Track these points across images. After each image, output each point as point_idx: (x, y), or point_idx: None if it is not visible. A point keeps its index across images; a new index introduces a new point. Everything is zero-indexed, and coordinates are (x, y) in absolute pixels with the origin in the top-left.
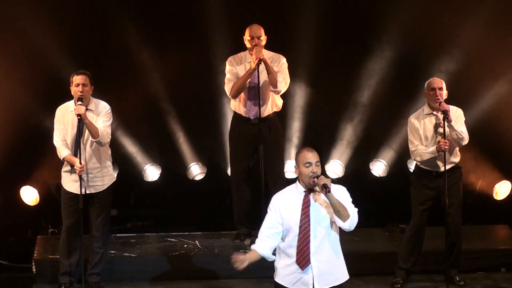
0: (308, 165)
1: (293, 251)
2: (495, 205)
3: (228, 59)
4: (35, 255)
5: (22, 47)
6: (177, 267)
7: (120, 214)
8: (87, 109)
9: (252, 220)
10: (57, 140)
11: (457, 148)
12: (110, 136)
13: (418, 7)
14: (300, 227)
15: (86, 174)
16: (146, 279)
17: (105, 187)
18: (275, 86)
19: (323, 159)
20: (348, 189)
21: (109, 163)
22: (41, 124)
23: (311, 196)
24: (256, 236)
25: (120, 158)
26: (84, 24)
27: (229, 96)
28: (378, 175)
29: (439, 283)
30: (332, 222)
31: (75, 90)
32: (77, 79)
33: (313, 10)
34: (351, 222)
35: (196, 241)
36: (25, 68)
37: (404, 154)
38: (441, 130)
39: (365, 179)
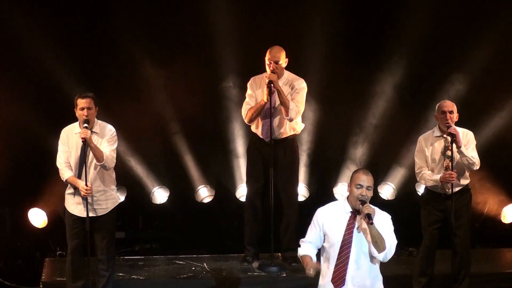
0: (359, 186)
1: (330, 269)
2: (503, 229)
3: (250, 81)
4: (43, 277)
5: (31, 69)
6: None
7: (128, 236)
8: (92, 132)
9: (260, 242)
10: (60, 162)
11: (467, 171)
12: (115, 160)
13: (428, 27)
14: (341, 247)
15: (90, 197)
16: None
17: (108, 210)
18: (286, 114)
19: (332, 181)
20: None
21: (113, 187)
22: (49, 146)
23: (357, 219)
24: (263, 259)
25: (128, 181)
26: (91, 44)
27: (244, 121)
28: (386, 198)
29: None
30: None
31: (80, 114)
32: (81, 102)
33: (324, 30)
34: (386, 255)
35: (204, 264)
36: (33, 90)
37: (412, 177)
38: (449, 153)
39: (373, 202)
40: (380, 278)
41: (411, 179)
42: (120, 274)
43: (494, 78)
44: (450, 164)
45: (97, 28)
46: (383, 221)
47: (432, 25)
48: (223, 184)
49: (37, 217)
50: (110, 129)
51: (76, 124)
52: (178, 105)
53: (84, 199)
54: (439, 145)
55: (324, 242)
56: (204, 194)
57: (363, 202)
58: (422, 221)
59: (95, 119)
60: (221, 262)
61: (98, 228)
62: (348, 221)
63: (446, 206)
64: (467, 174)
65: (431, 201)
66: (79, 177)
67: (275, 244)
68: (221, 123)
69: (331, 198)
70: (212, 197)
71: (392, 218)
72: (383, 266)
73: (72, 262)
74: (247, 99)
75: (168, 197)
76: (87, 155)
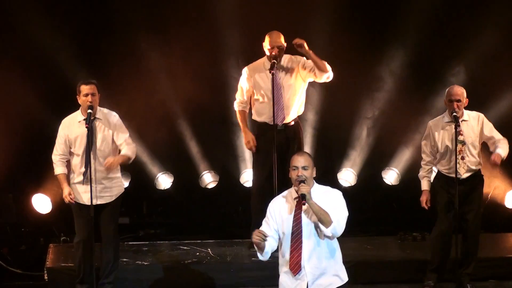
0: (294, 168)
1: (286, 257)
2: (507, 214)
3: (245, 69)
4: (47, 263)
5: (35, 56)
6: (189, 275)
7: (132, 222)
8: (94, 118)
9: None
10: (56, 155)
11: (479, 155)
12: (135, 146)
13: (435, 11)
14: (292, 233)
15: (95, 184)
16: (158, 287)
17: (114, 198)
18: (325, 69)
19: (335, 168)
20: (360, 198)
21: (118, 174)
22: (53, 131)
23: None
24: None
25: (132, 167)
26: (94, 31)
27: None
28: (390, 184)
29: None
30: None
31: (83, 100)
32: (85, 88)
33: (328, 14)
34: (334, 228)
35: (209, 249)
36: (37, 77)
37: (417, 162)
38: (461, 138)
39: (377, 187)
40: (338, 256)
41: (415, 164)
42: (125, 259)
43: (500, 63)
44: (462, 149)
45: (100, 15)
46: (332, 196)
47: (439, 7)
48: (227, 170)
49: (41, 203)
50: (115, 116)
51: (77, 113)
52: (182, 91)
53: (85, 185)
54: (451, 129)
55: (278, 233)
56: (208, 179)
57: (301, 182)
58: (436, 205)
59: (97, 106)
60: (226, 247)
61: (105, 216)
62: (296, 206)
63: (459, 191)
64: (478, 159)
65: (444, 184)
66: (86, 166)
67: None
68: (225, 109)
69: (335, 183)
70: (216, 183)
71: (396, 203)
72: (388, 252)
73: (83, 251)
74: (239, 92)
75: (172, 182)
76: (93, 143)
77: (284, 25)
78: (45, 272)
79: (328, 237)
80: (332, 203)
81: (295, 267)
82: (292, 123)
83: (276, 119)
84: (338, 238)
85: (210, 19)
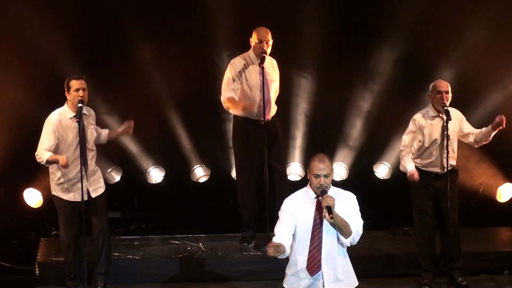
0: (316, 176)
1: (303, 257)
2: (498, 208)
3: (232, 63)
4: (39, 257)
5: (26, 50)
6: (180, 270)
7: (123, 216)
8: (84, 114)
9: (255, 224)
10: (42, 149)
11: (456, 151)
12: None
13: (423, 7)
14: (312, 233)
15: (87, 179)
16: (149, 281)
17: (104, 188)
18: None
19: None
20: (351, 191)
21: (97, 166)
22: (41, 123)
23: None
24: (258, 238)
25: (123, 161)
26: (85, 24)
27: (223, 101)
28: (382, 178)
29: (440, 285)
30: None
31: (74, 95)
32: (76, 83)
33: (318, 8)
34: (353, 239)
35: (200, 243)
36: (28, 71)
37: None
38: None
39: (369, 181)
40: (349, 259)
41: None
42: (116, 253)
43: (489, 57)
44: (448, 143)
45: (89, 8)
46: (347, 202)
47: (427, 4)
48: (218, 164)
49: (32, 197)
50: (90, 109)
51: (64, 109)
52: (173, 85)
53: (80, 181)
54: (438, 124)
55: (296, 230)
56: (200, 173)
57: (322, 192)
58: (417, 202)
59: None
60: (217, 242)
61: (96, 210)
62: (316, 206)
63: (436, 186)
64: (455, 154)
65: (422, 181)
66: (83, 160)
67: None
68: (217, 103)
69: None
70: (207, 177)
71: (387, 197)
72: (379, 246)
73: (74, 250)
74: (225, 83)
75: (164, 176)
76: (85, 138)
77: (274, 17)
78: (36, 266)
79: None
80: (349, 210)
81: (314, 268)
82: (271, 118)
83: (263, 114)
84: None
85: (200, 12)
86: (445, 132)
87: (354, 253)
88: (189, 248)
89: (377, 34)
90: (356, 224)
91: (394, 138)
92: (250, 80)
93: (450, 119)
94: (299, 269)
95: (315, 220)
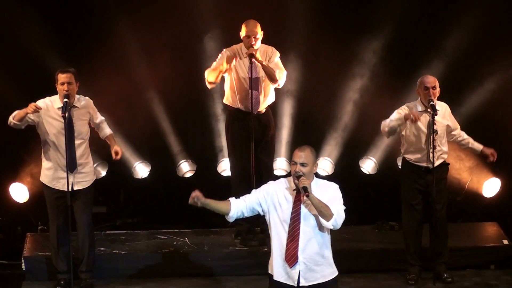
0: (293, 163)
1: (281, 248)
2: (484, 203)
3: (225, 50)
4: (25, 252)
5: (9, 43)
6: (166, 264)
7: (109, 211)
8: (72, 106)
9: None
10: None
11: (447, 144)
12: None
13: (411, 4)
14: (290, 224)
15: (71, 171)
16: (135, 276)
17: (90, 183)
18: (274, 81)
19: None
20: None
21: (90, 159)
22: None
23: (302, 195)
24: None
25: (109, 156)
26: (69, 16)
27: (207, 82)
28: (368, 173)
29: (427, 280)
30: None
31: (60, 88)
32: (62, 77)
33: (303, 2)
34: (335, 221)
35: (186, 238)
36: (11, 64)
37: (394, 151)
38: (434, 127)
39: (354, 176)
40: (330, 250)
41: (393, 154)
42: (102, 248)
43: (476, 55)
44: (435, 138)
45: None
46: (329, 190)
47: None
48: (204, 159)
49: (19, 192)
50: (89, 100)
51: (56, 97)
52: (159, 79)
53: (66, 172)
54: (425, 119)
55: (272, 220)
56: (186, 168)
57: (298, 177)
58: (406, 197)
59: (75, 94)
60: (203, 236)
61: (80, 203)
62: (295, 197)
63: (426, 180)
64: (446, 148)
65: (412, 175)
66: (70, 153)
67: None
68: (203, 97)
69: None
70: (193, 172)
71: (373, 192)
72: (365, 241)
73: (59, 240)
74: (214, 64)
75: (150, 171)
76: (72, 131)
77: (264, 5)
78: (22, 261)
79: (323, 230)
80: (330, 197)
81: (292, 259)
82: (264, 111)
83: (252, 107)
84: None
85: (189, 5)
86: (432, 127)
87: (339, 247)
88: (175, 243)
89: (364, 32)
90: (337, 207)
91: (381, 133)
92: (239, 72)
93: (436, 114)
94: (278, 259)
95: (293, 212)
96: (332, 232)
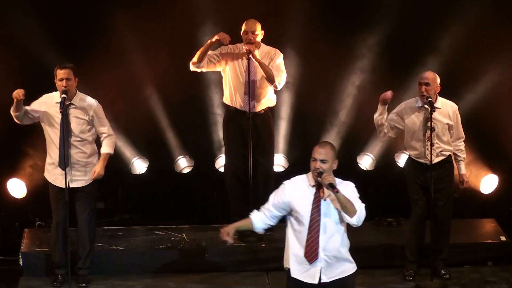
0: (313, 160)
1: (301, 244)
2: (482, 199)
3: (224, 47)
4: (22, 248)
5: (10, 42)
6: (164, 260)
7: (107, 207)
8: (70, 104)
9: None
10: None
11: (447, 141)
12: (114, 136)
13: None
14: (310, 220)
15: (70, 168)
16: (133, 271)
17: (88, 182)
18: (271, 82)
19: (311, 153)
20: None
21: (92, 159)
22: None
23: (324, 190)
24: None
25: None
26: (68, 11)
27: (191, 62)
28: (365, 169)
29: (424, 276)
30: (341, 217)
31: (59, 84)
32: (60, 73)
33: (305, 3)
34: (358, 217)
35: (183, 234)
36: (10, 60)
37: (392, 147)
38: (432, 123)
39: (352, 172)
40: (347, 243)
41: (390, 150)
42: (100, 244)
43: (476, 50)
44: (432, 135)
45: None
46: (348, 188)
47: None
48: (202, 155)
49: (16, 188)
50: (93, 103)
51: (56, 93)
52: (158, 77)
53: (64, 170)
54: (421, 115)
55: (291, 218)
56: (183, 164)
57: (320, 174)
58: (409, 192)
59: (76, 90)
60: (201, 232)
61: (79, 200)
62: (314, 194)
63: (426, 176)
64: (449, 146)
65: (414, 171)
66: (64, 149)
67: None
68: (200, 93)
69: (310, 169)
70: (191, 168)
71: (371, 188)
72: (363, 237)
73: (57, 233)
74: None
75: (147, 167)
76: (68, 128)
77: (262, 4)
78: (20, 256)
79: (341, 226)
80: (349, 195)
81: (312, 255)
82: (262, 111)
83: (246, 106)
84: None
85: (189, 4)
86: (428, 124)
87: None
88: (172, 238)
89: (364, 24)
90: (358, 205)
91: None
92: (238, 71)
93: (434, 110)
94: (298, 255)
95: (313, 208)
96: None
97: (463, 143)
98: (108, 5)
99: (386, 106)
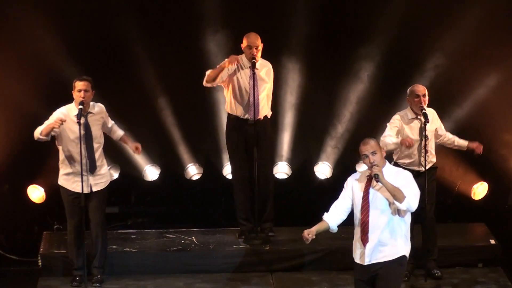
0: (364, 157)
1: (357, 229)
2: (473, 205)
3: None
4: (41, 250)
5: (27, 49)
6: (174, 262)
7: (121, 211)
8: (88, 113)
9: (249, 217)
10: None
11: (434, 148)
12: None
13: (405, 11)
14: (361, 207)
15: (92, 175)
16: (145, 272)
17: (106, 184)
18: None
19: (312, 161)
20: (335, 189)
21: (105, 162)
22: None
23: (373, 181)
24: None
25: (121, 159)
26: (84, 24)
27: (204, 79)
28: None
29: (418, 276)
30: (391, 205)
31: (77, 95)
32: (79, 85)
33: (302, 12)
34: (408, 203)
35: (193, 237)
36: (31, 70)
37: (387, 156)
38: (423, 133)
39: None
40: (400, 232)
41: (387, 157)
42: (114, 246)
43: (466, 62)
44: (426, 143)
45: (88, 9)
46: (399, 176)
47: (410, 6)
48: (210, 163)
49: (36, 193)
50: (102, 107)
51: (72, 106)
52: (169, 87)
53: (80, 175)
54: (416, 126)
55: (352, 204)
56: (193, 171)
57: (373, 166)
58: None
59: (90, 102)
60: (209, 235)
61: (94, 203)
62: (365, 184)
63: (417, 183)
64: (434, 152)
65: None
66: (88, 155)
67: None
68: (209, 104)
69: (312, 176)
70: (200, 175)
71: None
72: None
73: (75, 238)
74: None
75: (159, 174)
76: (90, 136)
77: (263, 19)
78: (39, 258)
79: (391, 213)
80: (402, 182)
81: (365, 237)
82: (261, 119)
83: (251, 115)
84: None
85: (198, 13)
86: (423, 133)
87: (336, 246)
88: (182, 241)
89: (362, 35)
90: (410, 191)
91: (377, 137)
92: (241, 82)
93: (428, 121)
94: (357, 239)
95: (363, 196)
96: (331, 233)
97: (444, 131)
98: (121, 16)
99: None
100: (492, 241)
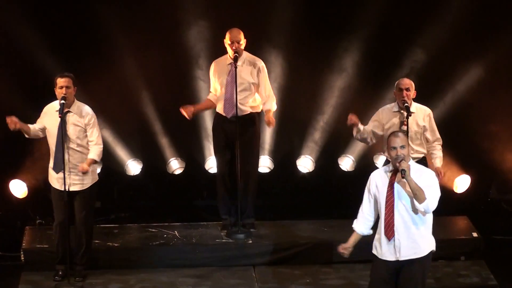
0: (393, 148)
1: (382, 223)
2: (455, 198)
3: (212, 66)
4: (24, 244)
5: (8, 44)
6: (157, 256)
7: (104, 206)
8: (68, 112)
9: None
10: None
11: (424, 145)
12: (102, 145)
13: (390, 5)
14: (386, 201)
15: (69, 172)
16: (128, 267)
17: (86, 186)
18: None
19: (295, 155)
20: (317, 183)
21: (93, 165)
22: (29, 120)
23: (398, 174)
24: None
25: (103, 154)
26: (67, 19)
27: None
28: (346, 170)
29: None
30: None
31: (59, 92)
32: (60, 81)
33: (284, 5)
34: (426, 205)
35: (175, 231)
36: (11, 64)
37: (370, 149)
38: (405, 128)
39: (333, 173)
40: (426, 228)
41: (369, 152)
42: (96, 241)
43: (450, 55)
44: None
45: (71, 8)
46: (424, 175)
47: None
48: (192, 157)
49: (18, 188)
50: (88, 113)
51: (56, 102)
52: (151, 81)
53: (63, 173)
54: (397, 119)
55: (377, 200)
56: (175, 166)
57: (400, 160)
58: None
59: (74, 98)
60: (191, 229)
61: (78, 202)
62: (390, 178)
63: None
64: (421, 149)
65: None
66: (61, 154)
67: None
68: (192, 98)
69: (294, 170)
70: (182, 169)
71: (351, 188)
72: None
73: (59, 232)
74: (211, 84)
75: (141, 169)
76: (66, 132)
77: (249, 13)
78: (22, 253)
79: (416, 208)
80: (426, 182)
81: (389, 232)
82: (245, 116)
83: (227, 112)
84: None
85: (180, 9)
86: (405, 128)
87: (320, 239)
88: (165, 235)
89: (347, 28)
90: (431, 193)
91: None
92: (221, 78)
93: (410, 115)
94: (382, 235)
95: (388, 190)
96: (313, 225)
97: (440, 146)
98: (101, 9)
99: (359, 125)
100: (475, 234)
